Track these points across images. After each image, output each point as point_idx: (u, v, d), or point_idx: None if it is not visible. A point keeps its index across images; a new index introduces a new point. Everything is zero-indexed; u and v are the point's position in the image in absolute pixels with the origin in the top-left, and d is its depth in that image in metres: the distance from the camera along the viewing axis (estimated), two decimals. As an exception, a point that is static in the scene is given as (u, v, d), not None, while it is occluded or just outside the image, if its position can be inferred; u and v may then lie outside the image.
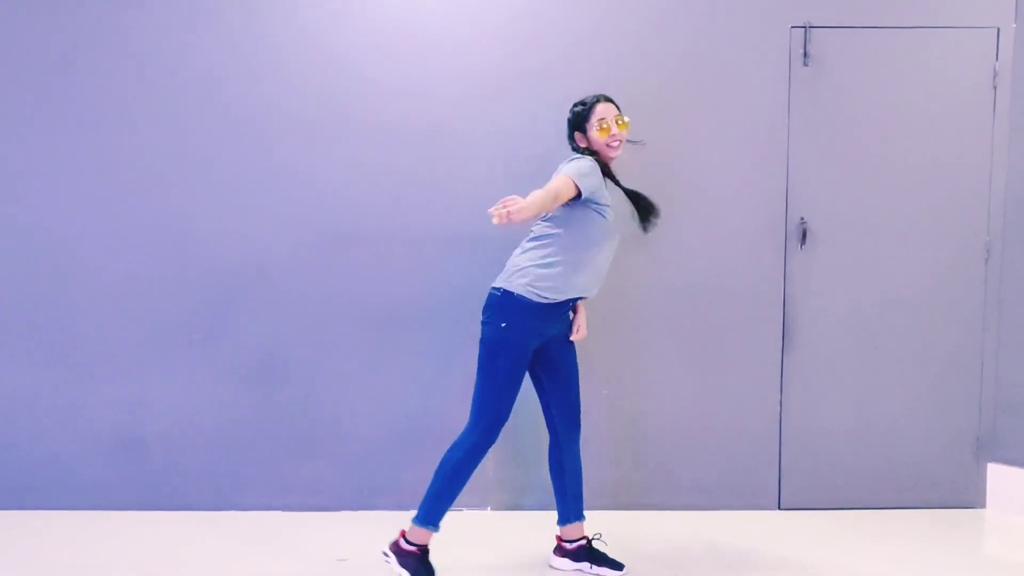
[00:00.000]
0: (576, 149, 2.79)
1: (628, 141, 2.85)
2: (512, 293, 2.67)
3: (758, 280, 3.44)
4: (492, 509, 3.47)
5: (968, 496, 3.51)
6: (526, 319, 2.68)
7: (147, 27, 3.32)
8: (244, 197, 3.36)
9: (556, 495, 2.90)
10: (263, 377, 3.41)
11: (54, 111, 3.32)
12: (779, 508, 3.50)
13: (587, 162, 2.66)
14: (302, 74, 3.34)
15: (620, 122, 2.76)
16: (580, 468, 2.89)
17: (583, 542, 2.90)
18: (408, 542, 2.71)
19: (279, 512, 3.41)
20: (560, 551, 2.92)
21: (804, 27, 3.37)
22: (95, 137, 3.33)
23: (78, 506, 3.40)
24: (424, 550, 2.71)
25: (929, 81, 3.41)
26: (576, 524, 2.89)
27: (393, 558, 2.71)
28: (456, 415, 3.38)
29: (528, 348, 2.70)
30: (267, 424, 3.42)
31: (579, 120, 2.77)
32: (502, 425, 2.70)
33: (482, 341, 2.73)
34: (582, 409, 2.91)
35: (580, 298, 2.79)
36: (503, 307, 2.69)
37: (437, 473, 2.72)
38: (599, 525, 3.15)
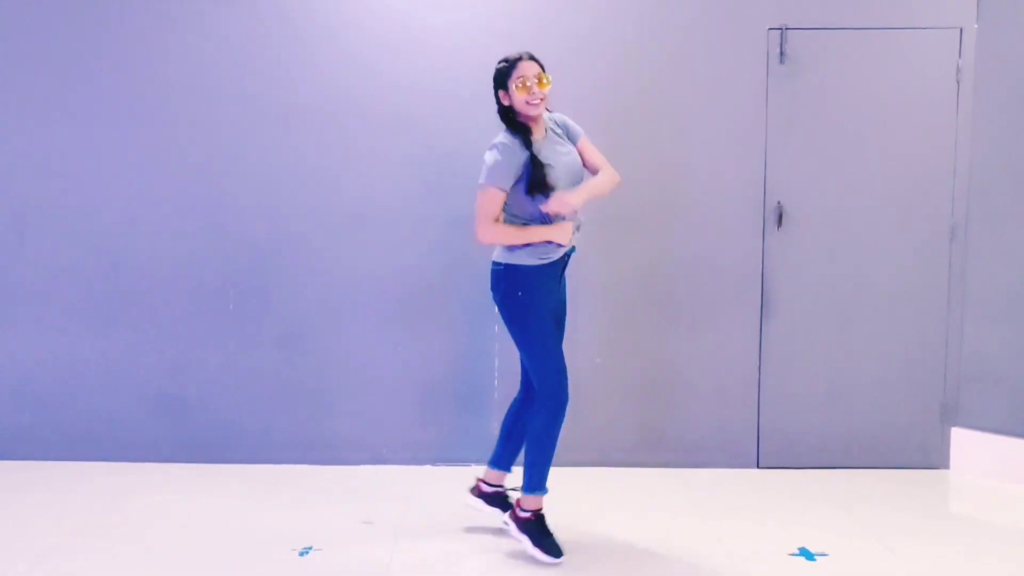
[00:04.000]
0: (499, 105, 2.81)
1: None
2: (516, 265, 2.77)
3: (739, 258, 3.73)
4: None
5: (933, 458, 3.79)
6: (537, 283, 2.77)
7: (175, 25, 3.68)
8: (273, 181, 3.72)
9: (501, 442, 3.05)
10: (291, 342, 3.76)
11: (107, 104, 3.71)
12: (757, 467, 3.79)
13: (493, 154, 2.73)
14: (323, 71, 3.69)
15: (542, 81, 2.74)
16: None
17: (501, 490, 3.06)
18: (524, 510, 2.83)
19: (307, 465, 3.76)
20: (478, 491, 3.08)
21: (781, 29, 3.65)
22: (141, 128, 3.71)
23: (126, 458, 3.77)
24: (539, 515, 2.84)
25: (897, 78, 3.68)
26: (504, 473, 3.07)
27: (512, 525, 2.86)
28: (465, 378, 3.75)
29: (547, 306, 2.81)
30: (295, 385, 3.77)
31: (501, 77, 2.77)
32: (567, 379, 2.80)
33: (507, 318, 2.82)
34: (573, 375, 2.97)
35: (573, 249, 2.86)
36: (512, 279, 2.78)
37: (528, 443, 2.82)
38: (590, 481, 3.48)
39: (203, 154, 3.73)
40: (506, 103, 2.80)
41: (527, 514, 2.83)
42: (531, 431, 2.82)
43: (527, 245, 2.77)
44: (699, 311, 3.75)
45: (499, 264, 2.83)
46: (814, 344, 3.77)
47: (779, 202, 3.72)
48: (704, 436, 3.79)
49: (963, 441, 3.75)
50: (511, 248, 2.80)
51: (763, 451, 3.80)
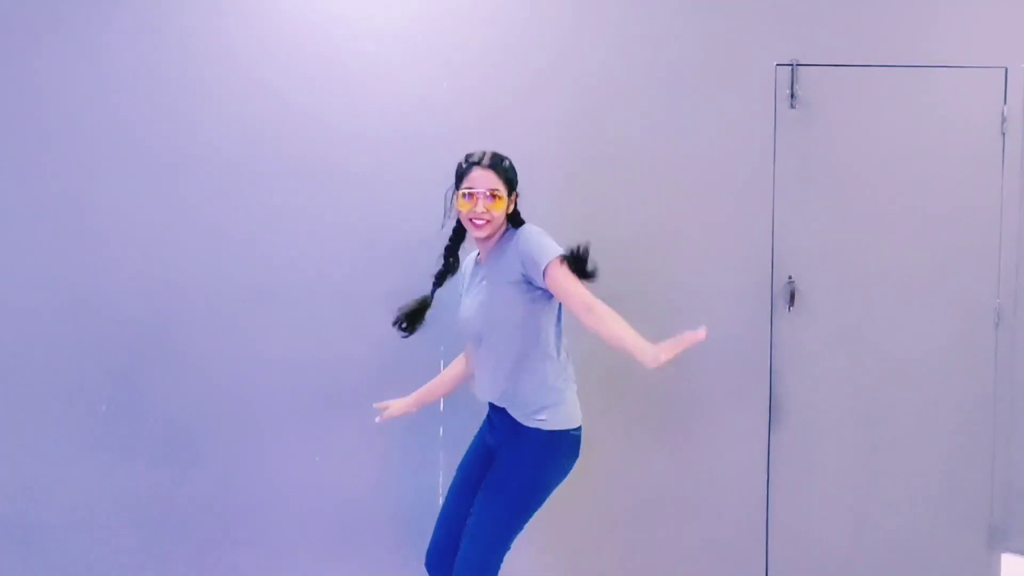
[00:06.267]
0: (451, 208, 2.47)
1: (511, 218, 2.43)
2: (563, 432, 2.40)
3: (742, 346, 3.13)
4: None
5: (980, 591, 3.18)
6: (572, 456, 2.43)
7: (49, 58, 2.99)
8: (160, 245, 3.01)
9: None
10: (179, 452, 3.04)
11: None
12: (765, 605, 3.14)
13: (542, 235, 2.30)
14: (229, 110, 3.01)
15: (493, 195, 2.32)
16: None
17: None
18: None
19: (196, 607, 3.02)
20: None
21: (791, 65, 3.09)
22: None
23: (-37, 601, 3.01)
24: None
25: (930, 125, 3.14)
26: None
27: None
28: (395, 493, 3.07)
29: (470, 446, 2.60)
30: (182, 506, 3.04)
31: (456, 178, 2.41)
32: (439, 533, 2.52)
33: (510, 483, 2.37)
34: None
35: (495, 405, 2.44)
36: (555, 447, 2.38)
37: None
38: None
39: (72, 212, 2.99)
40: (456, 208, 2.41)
41: None
42: None
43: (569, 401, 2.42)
44: (696, 414, 3.13)
45: (541, 425, 2.34)
46: (833, 452, 3.18)
47: (790, 277, 3.13)
48: (703, 565, 3.16)
49: (1015, 569, 3.19)
50: (558, 405, 2.36)
51: (772, 584, 3.16)
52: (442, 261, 2.51)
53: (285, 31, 3.01)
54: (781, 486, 3.16)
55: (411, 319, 2.48)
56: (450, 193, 2.46)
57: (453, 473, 2.69)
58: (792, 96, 3.10)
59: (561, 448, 2.35)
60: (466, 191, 2.33)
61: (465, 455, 2.59)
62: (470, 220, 2.34)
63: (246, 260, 3.03)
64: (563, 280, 2.20)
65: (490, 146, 2.72)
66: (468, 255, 2.57)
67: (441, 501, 2.97)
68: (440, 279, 2.51)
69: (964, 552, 3.18)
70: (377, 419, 2.41)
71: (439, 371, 2.99)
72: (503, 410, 2.38)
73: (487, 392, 2.42)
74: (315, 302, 3.04)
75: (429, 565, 2.49)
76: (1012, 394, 3.16)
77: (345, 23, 3.02)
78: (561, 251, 2.23)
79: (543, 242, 2.25)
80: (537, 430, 2.32)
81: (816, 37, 3.11)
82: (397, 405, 2.66)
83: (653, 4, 3.08)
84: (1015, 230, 3.14)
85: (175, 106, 3.00)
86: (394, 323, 2.49)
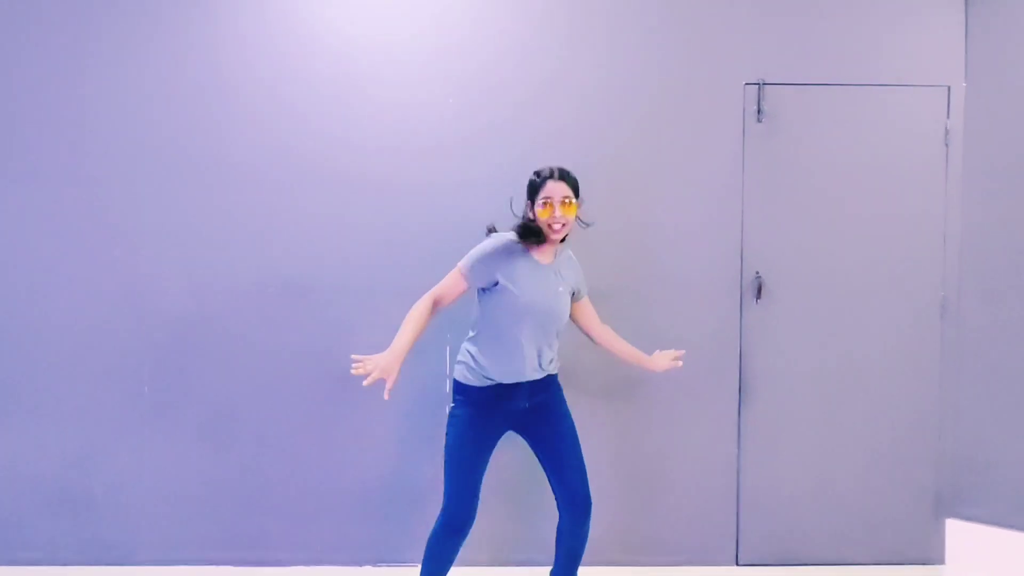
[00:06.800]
0: (524, 215, 2.73)
1: (579, 221, 2.80)
2: (456, 379, 2.76)
3: (714, 335, 3.42)
4: (487, 565, 3.39)
5: (927, 552, 3.47)
6: (466, 400, 2.70)
7: (98, 74, 3.32)
8: (199, 246, 3.34)
9: (559, 552, 2.87)
10: (216, 430, 3.35)
11: (11, 157, 3.30)
12: (736, 564, 3.45)
13: (489, 243, 2.64)
14: (255, 125, 3.34)
15: (567, 203, 2.64)
16: (577, 547, 2.83)
17: None
18: None
19: (231, 567, 3.34)
20: None
21: (758, 84, 3.39)
22: (48, 184, 3.31)
23: (20, 561, 3.32)
24: None
25: (882, 138, 3.42)
26: None
27: None
28: (408, 472, 3.37)
29: (473, 429, 2.68)
30: (219, 478, 3.35)
31: (530, 191, 2.71)
32: (465, 506, 2.66)
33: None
34: (536, 463, 2.86)
35: (522, 382, 2.69)
36: (454, 391, 2.76)
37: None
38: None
39: (120, 215, 3.33)
40: (531, 215, 2.70)
41: None
42: (431, 545, 2.70)
43: (476, 364, 2.71)
44: (672, 395, 3.42)
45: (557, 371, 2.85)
46: (797, 429, 3.45)
47: (757, 273, 3.42)
48: (679, 532, 3.44)
49: (959, 533, 3.45)
50: (459, 365, 2.76)
51: (743, 548, 3.45)
52: (530, 233, 2.66)
53: (308, 53, 3.33)
54: (750, 458, 3.44)
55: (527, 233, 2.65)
56: (514, 203, 2.82)
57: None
58: (759, 111, 3.39)
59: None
60: (544, 199, 2.63)
61: (478, 438, 2.70)
62: (549, 225, 2.64)
63: (277, 260, 3.34)
64: (590, 305, 2.94)
65: (507, 151, 3.11)
66: (508, 245, 2.69)
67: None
68: (527, 234, 2.65)
69: (913, 517, 3.46)
70: (385, 396, 2.53)
71: (445, 359, 3.32)
72: (540, 380, 2.73)
73: (543, 365, 2.72)
74: (338, 297, 3.35)
75: (465, 533, 2.71)
76: (956, 376, 3.44)
77: (363, 50, 3.34)
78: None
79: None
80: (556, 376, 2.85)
81: (781, 59, 3.40)
82: (385, 366, 2.56)
83: (639, 32, 3.38)
84: (957, 231, 3.43)
85: (219, 130, 3.33)
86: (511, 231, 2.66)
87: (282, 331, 3.35)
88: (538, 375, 2.72)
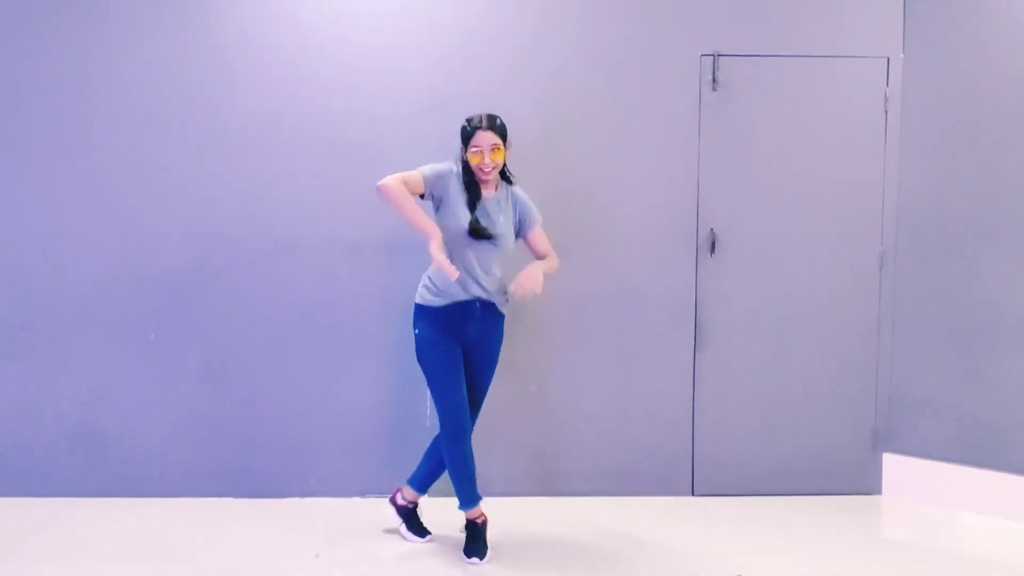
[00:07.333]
0: (460, 157, 3.02)
1: (503, 176, 3.08)
2: (417, 303, 3.07)
3: (672, 285, 3.72)
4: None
5: (866, 484, 3.80)
6: (428, 323, 3.02)
7: (100, 49, 3.58)
8: (196, 208, 3.61)
9: (425, 464, 3.22)
10: (215, 374, 3.65)
11: (21, 128, 3.57)
12: (692, 494, 3.77)
13: (446, 165, 2.99)
14: (245, 93, 3.60)
15: (496, 149, 2.94)
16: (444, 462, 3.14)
17: (411, 506, 3.26)
18: (403, 498, 3.25)
19: (231, 499, 3.64)
20: (393, 501, 3.29)
21: (713, 55, 3.66)
22: (57, 152, 3.57)
23: (39, 493, 3.61)
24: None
25: (826, 105, 3.71)
26: (420, 495, 3.26)
27: (391, 508, 3.27)
28: (391, 410, 3.68)
29: (442, 347, 2.99)
30: (219, 417, 3.65)
31: (464, 137, 3.00)
32: (459, 415, 2.98)
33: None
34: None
35: (472, 300, 2.98)
36: (415, 314, 3.09)
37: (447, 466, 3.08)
38: (523, 511, 3.42)
39: (123, 179, 3.61)
40: (464, 158, 3.00)
41: (403, 502, 3.25)
42: (444, 455, 3.05)
43: (433, 285, 3.01)
44: (633, 339, 3.73)
45: (504, 306, 3.12)
46: (747, 371, 3.77)
47: (712, 229, 3.72)
48: (638, 464, 3.76)
49: (894, 466, 3.78)
50: (420, 288, 3.08)
51: (698, 479, 3.78)
52: (466, 194, 2.98)
53: (299, 29, 3.60)
54: (704, 398, 3.75)
55: (479, 234, 2.95)
56: (460, 151, 3.03)
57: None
58: (714, 81, 3.66)
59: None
60: (475, 148, 2.94)
61: (450, 356, 3.01)
62: (480, 169, 2.95)
63: (272, 217, 3.63)
64: (543, 235, 3.17)
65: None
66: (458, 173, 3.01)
67: (429, 412, 3.57)
68: (472, 206, 2.97)
69: (853, 451, 3.79)
70: (456, 276, 2.78)
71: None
72: (486, 304, 3.02)
73: (486, 286, 3.00)
74: (329, 253, 3.64)
75: (467, 438, 3.02)
76: (892, 321, 3.76)
77: (363, 39, 3.61)
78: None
79: (534, 207, 3.14)
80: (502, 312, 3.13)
81: (734, 32, 3.67)
82: (435, 252, 2.82)
83: (603, 11, 3.66)
84: (895, 191, 3.73)
85: (214, 99, 3.59)
86: (471, 232, 2.94)
87: (274, 283, 3.64)
88: (484, 295, 3.01)
